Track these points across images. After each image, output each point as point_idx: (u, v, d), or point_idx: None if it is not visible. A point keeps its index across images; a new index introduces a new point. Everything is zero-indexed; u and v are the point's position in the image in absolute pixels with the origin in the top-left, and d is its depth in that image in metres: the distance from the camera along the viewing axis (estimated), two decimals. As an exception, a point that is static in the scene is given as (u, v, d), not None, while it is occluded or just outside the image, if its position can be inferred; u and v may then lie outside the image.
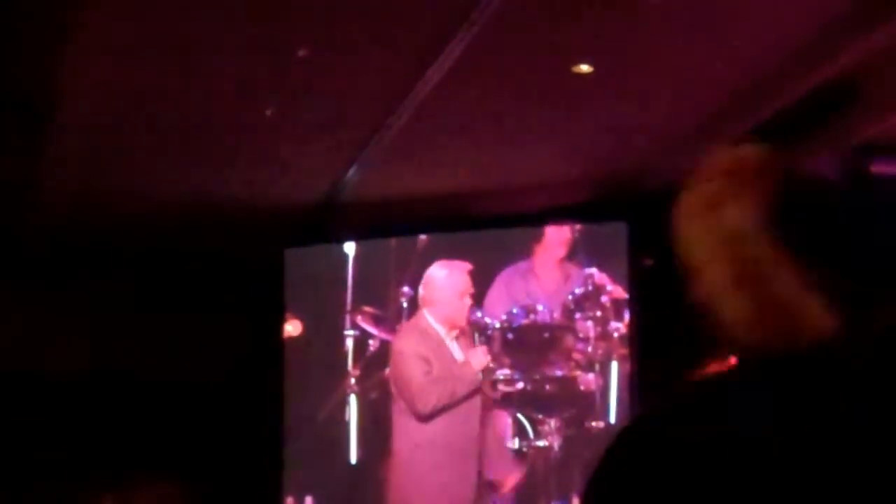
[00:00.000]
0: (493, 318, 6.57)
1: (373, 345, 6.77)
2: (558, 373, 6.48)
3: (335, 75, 4.77)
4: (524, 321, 6.55)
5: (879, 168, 5.23)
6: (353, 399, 6.79)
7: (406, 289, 6.72)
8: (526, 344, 6.54)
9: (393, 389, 6.59)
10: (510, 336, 6.56)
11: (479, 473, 6.43)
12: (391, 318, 6.75)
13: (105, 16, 4.18)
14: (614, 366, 6.35)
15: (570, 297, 6.48)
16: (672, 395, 0.84)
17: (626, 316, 6.35)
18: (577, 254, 6.47)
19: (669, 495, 0.75)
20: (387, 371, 6.70)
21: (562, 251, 6.53)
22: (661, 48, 4.50)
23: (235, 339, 7.04)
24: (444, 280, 6.52)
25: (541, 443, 6.48)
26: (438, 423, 6.46)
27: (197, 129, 5.35)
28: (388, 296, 6.75)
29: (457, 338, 6.48)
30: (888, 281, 1.07)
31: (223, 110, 5.14)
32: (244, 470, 6.93)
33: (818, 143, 5.19)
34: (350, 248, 6.83)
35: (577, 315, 6.42)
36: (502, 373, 6.57)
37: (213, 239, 6.80)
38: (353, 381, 6.80)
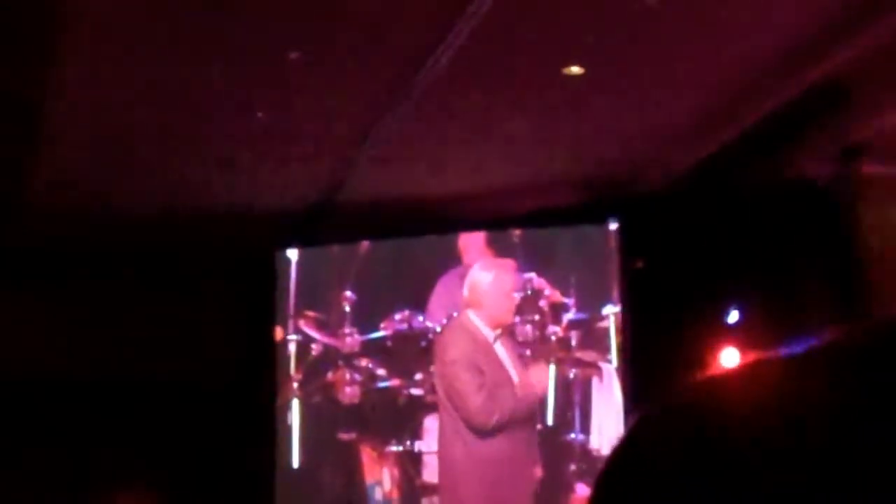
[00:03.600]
0: (435, 322, 6.61)
1: (315, 349, 6.78)
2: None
3: (327, 78, 4.79)
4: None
5: (870, 169, 5.40)
6: (295, 403, 6.78)
7: (349, 293, 6.73)
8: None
9: (444, 400, 6.51)
10: (451, 339, 6.62)
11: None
12: (333, 322, 6.76)
13: (100, 20, 4.14)
14: (552, 369, 6.42)
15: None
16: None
17: (564, 319, 6.42)
18: (517, 259, 6.53)
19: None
20: (329, 374, 6.72)
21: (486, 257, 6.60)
22: (653, 50, 4.59)
23: (227, 341, 6.98)
24: (491, 281, 6.48)
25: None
26: (496, 439, 6.41)
27: (189, 131, 5.32)
28: (330, 301, 6.77)
29: (500, 336, 6.43)
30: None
31: (215, 112, 5.12)
32: (235, 473, 6.86)
33: (809, 144, 5.32)
34: (293, 254, 6.81)
35: (517, 319, 6.48)
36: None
37: (204, 241, 6.74)
38: (295, 385, 6.79)
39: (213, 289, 7.12)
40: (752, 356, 0.69)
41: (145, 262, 7.01)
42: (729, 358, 5.70)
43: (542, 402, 6.36)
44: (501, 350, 6.42)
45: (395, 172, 6.01)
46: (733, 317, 5.91)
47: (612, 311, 6.30)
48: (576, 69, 4.72)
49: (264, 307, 6.85)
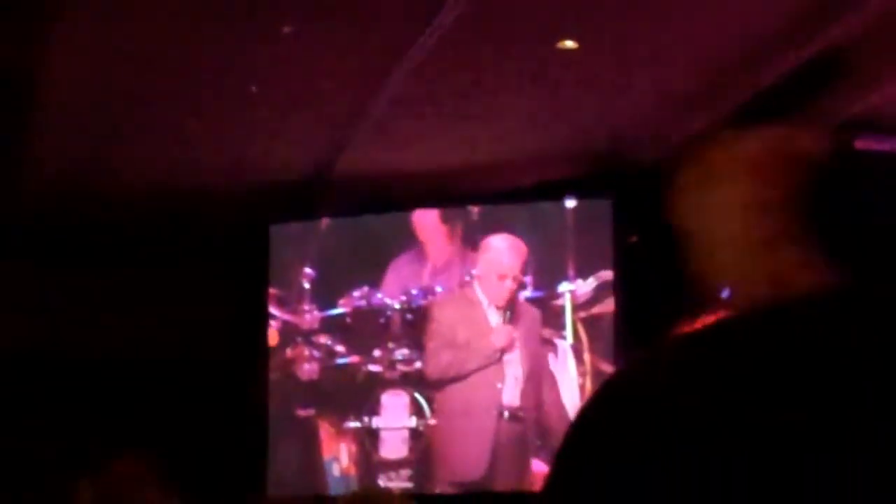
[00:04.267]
0: (393, 299, 6.67)
1: (275, 325, 6.82)
2: (455, 352, 6.59)
3: (320, 51, 4.77)
4: (422, 302, 6.66)
5: (864, 144, 5.44)
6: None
7: (308, 270, 6.78)
8: (424, 324, 6.65)
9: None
10: (409, 317, 6.67)
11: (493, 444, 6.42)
12: (293, 299, 6.81)
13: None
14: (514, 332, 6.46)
15: (467, 278, 6.59)
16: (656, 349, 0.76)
17: (520, 297, 6.46)
18: (474, 235, 6.58)
19: (648, 445, 0.67)
20: (288, 351, 6.77)
21: (447, 243, 6.64)
22: (647, 24, 4.55)
23: (221, 314, 6.96)
24: (491, 258, 6.52)
25: (436, 421, 6.57)
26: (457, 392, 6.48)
27: (182, 104, 5.31)
28: (290, 277, 6.81)
29: (498, 311, 6.47)
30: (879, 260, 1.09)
31: (208, 86, 5.11)
32: (227, 448, 6.86)
33: (805, 119, 5.34)
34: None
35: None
36: (401, 353, 6.67)
37: (197, 214, 6.74)
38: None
39: (207, 262, 7.13)
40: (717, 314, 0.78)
41: (138, 235, 7.00)
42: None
43: (500, 355, 6.42)
44: (495, 318, 6.47)
45: (390, 145, 6.02)
46: (727, 292, 5.93)
47: (568, 288, 6.37)
48: (570, 43, 4.69)
49: (258, 281, 6.87)
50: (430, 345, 6.55)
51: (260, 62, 4.90)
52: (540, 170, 6.37)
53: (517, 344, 6.39)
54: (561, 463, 0.69)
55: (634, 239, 6.20)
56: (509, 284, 6.44)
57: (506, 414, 6.38)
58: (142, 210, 6.70)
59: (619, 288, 6.23)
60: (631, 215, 6.17)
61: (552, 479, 0.68)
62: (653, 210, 5.38)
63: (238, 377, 6.89)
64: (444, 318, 6.54)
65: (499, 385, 6.39)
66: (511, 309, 6.43)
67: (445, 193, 6.61)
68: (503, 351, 6.39)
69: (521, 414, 6.37)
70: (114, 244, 7.04)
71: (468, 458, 6.44)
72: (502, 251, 6.49)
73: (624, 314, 6.18)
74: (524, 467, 6.36)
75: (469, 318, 6.48)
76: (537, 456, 6.34)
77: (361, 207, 6.76)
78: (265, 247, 6.87)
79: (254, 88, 5.03)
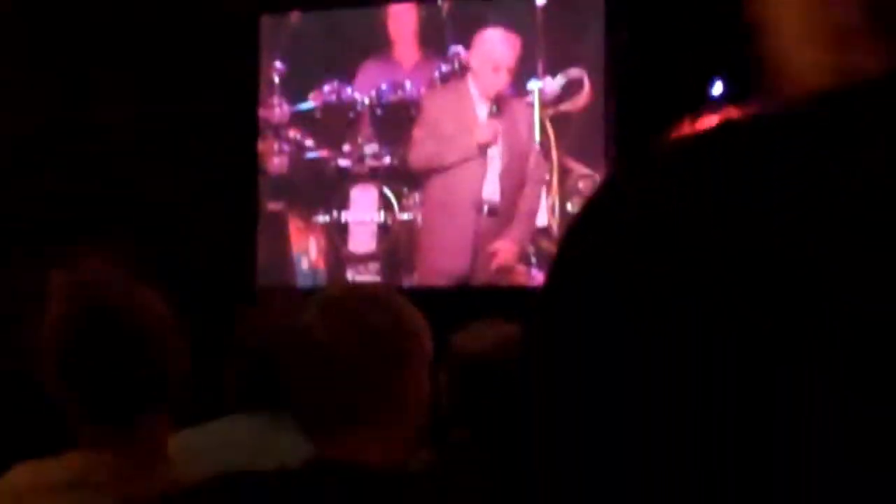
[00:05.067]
0: (363, 94, 6.66)
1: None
2: (424, 148, 6.62)
3: None
4: (392, 97, 6.65)
5: None
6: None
7: (278, 64, 6.76)
8: (394, 120, 6.66)
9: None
10: (379, 112, 6.67)
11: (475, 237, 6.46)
12: (264, 93, 6.79)
13: None
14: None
15: (436, 73, 6.58)
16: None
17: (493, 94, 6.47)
18: (441, 32, 6.54)
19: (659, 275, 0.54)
20: (259, 145, 6.78)
21: (417, 39, 6.60)
22: None
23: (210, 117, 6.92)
24: (486, 49, 6.48)
25: (405, 216, 6.62)
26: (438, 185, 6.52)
27: None
28: (259, 71, 6.78)
29: (490, 108, 6.46)
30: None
31: None
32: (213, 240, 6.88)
33: None
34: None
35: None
36: (370, 148, 6.68)
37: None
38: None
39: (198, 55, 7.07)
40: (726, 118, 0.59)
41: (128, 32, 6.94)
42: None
43: (483, 150, 6.44)
44: (483, 112, 6.47)
45: None
46: (717, 89, 5.95)
47: (536, 86, 6.36)
48: None
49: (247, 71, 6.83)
50: (417, 133, 6.54)
51: None
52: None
53: (500, 139, 6.40)
54: (541, 301, 0.59)
55: (625, 35, 6.15)
56: (503, 77, 6.42)
57: (485, 208, 6.42)
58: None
59: (609, 86, 6.20)
60: (621, 11, 6.12)
61: (535, 322, 0.59)
62: (645, 4, 5.29)
63: (228, 171, 6.87)
64: (433, 109, 6.53)
65: (481, 179, 6.42)
66: (498, 103, 6.43)
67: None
68: (486, 146, 6.41)
69: (499, 209, 6.41)
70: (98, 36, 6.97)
71: (448, 252, 6.50)
72: (497, 42, 6.46)
73: (613, 113, 6.17)
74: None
75: (457, 111, 6.48)
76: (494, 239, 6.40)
77: (333, 1, 6.71)
78: (252, 38, 6.80)
79: None
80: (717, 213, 0.54)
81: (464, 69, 6.49)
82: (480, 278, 6.38)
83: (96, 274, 2.11)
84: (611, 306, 0.55)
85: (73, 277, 2.10)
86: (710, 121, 5.82)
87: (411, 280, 6.55)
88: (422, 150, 6.54)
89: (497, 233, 6.38)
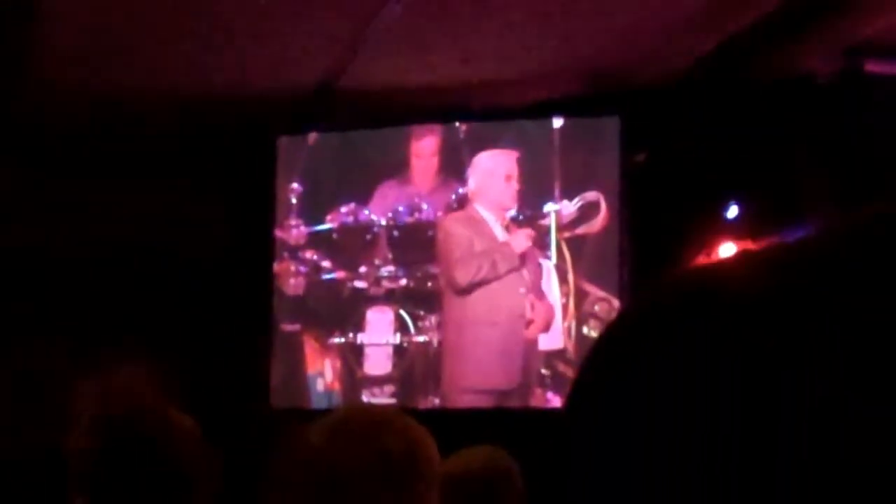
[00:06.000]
0: (380, 216, 6.68)
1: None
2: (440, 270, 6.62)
3: None
4: (408, 219, 6.67)
5: (873, 67, 5.43)
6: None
7: (295, 185, 6.79)
8: (410, 241, 6.67)
9: (439, 270, 6.60)
10: (395, 233, 6.69)
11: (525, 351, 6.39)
12: (280, 214, 6.82)
13: None
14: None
15: (453, 196, 6.60)
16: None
17: (506, 217, 6.47)
18: (459, 154, 6.58)
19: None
20: (274, 266, 6.79)
21: (434, 161, 6.64)
22: None
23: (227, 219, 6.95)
24: (489, 165, 6.50)
25: (421, 338, 6.61)
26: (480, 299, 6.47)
27: (190, 11, 5.29)
28: (275, 193, 6.82)
29: (506, 227, 6.46)
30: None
31: None
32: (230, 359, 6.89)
33: (813, 41, 5.32)
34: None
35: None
36: (387, 269, 6.69)
37: (204, 123, 6.73)
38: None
39: (213, 171, 7.14)
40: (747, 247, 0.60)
41: (145, 141, 7.00)
42: (727, 252, 5.76)
43: (522, 261, 6.42)
44: (501, 231, 6.46)
45: (398, 59, 5.99)
46: (733, 212, 5.97)
47: (553, 208, 6.38)
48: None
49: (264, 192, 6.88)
50: (455, 255, 6.51)
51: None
52: (546, 86, 6.34)
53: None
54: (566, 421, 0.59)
55: (643, 158, 6.17)
56: (515, 185, 6.44)
57: (530, 320, 6.37)
58: (146, 115, 6.68)
59: (624, 208, 6.20)
60: (638, 134, 6.14)
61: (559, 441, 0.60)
62: (662, 129, 5.34)
63: (243, 286, 6.91)
64: (459, 232, 6.53)
65: (521, 291, 6.39)
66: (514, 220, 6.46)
67: (441, 111, 6.60)
68: (524, 256, 6.40)
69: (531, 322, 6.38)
70: (117, 153, 7.03)
71: (493, 369, 6.46)
72: (499, 156, 6.49)
73: (628, 236, 6.17)
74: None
75: (479, 234, 6.48)
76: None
77: (352, 123, 6.75)
78: (269, 159, 6.85)
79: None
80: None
81: (474, 193, 6.51)
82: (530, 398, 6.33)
83: (130, 398, 2.09)
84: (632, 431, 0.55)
85: (105, 404, 2.08)
86: (726, 247, 5.82)
87: (427, 402, 6.51)
88: (468, 268, 6.48)
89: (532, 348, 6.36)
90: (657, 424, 0.54)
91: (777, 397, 0.51)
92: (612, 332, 0.60)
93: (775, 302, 0.53)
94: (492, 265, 6.39)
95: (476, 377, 6.46)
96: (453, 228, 6.54)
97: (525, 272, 6.37)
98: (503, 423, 5.84)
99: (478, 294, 6.44)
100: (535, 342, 6.33)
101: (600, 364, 0.59)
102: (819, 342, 0.51)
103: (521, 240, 6.39)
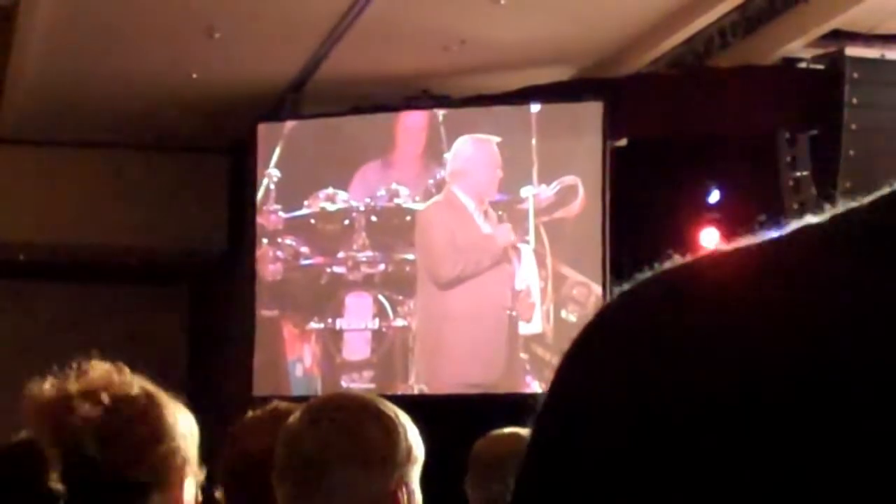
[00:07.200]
0: (358, 201, 6.67)
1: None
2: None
3: None
4: (387, 204, 6.66)
5: (854, 50, 5.47)
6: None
7: (274, 171, 6.78)
8: (388, 227, 6.66)
9: (418, 260, 6.59)
10: (373, 219, 6.67)
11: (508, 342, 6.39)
12: (258, 200, 6.81)
13: None
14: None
15: (430, 182, 6.59)
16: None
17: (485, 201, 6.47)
18: (438, 139, 6.57)
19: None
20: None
21: (420, 145, 6.63)
22: None
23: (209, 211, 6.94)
24: (473, 152, 6.50)
25: (400, 322, 6.60)
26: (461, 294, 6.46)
27: (172, 5, 5.30)
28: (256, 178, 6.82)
29: (485, 212, 6.46)
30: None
31: None
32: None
33: (794, 25, 5.34)
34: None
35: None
36: (365, 255, 6.68)
37: (190, 113, 6.71)
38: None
39: (199, 159, 7.14)
40: (732, 240, 0.57)
41: (121, 136, 7.03)
42: (709, 237, 5.78)
43: (504, 253, 6.43)
44: (481, 220, 6.45)
45: (380, 46, 6.01)
46: (714, 197, 5.98)
47: (531, 192, 6.37)
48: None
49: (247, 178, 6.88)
50: (437, 249, 6.51)
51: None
52: (531, 72, 6.36)
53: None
54: (538, 424, 0.58)
55: (624, 143, 6.18)
56: (499, 174, 6.44)
57: (513, 314, 6.38)
58: (132, 105, 6.65)
59: (606, 192, 6.19)
60: (619, 119, 6.15)
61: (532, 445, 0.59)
62: (644, 114, 5.31)
63: (228, 274, 6.91)
64: (440, 222, 6.53)
65: (506, 284, 6.40)
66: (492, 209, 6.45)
67: (433, 94, 6.62)
68: (508, 249, 6.40)
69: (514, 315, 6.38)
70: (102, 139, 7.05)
71: (477, 360, 6.47)
72: (483, 144, 6.48)
73: (608, 220, 6.17)
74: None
75: (461, 226, 6.47)
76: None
77: (331, 110, 6.74)
78: (249, 146, 6.86)
79: None
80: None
81: (454, 176, 6.50)
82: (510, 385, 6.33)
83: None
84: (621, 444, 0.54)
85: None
86: (709, 235, 5.83)
87: (406, 387, 6.51)
88: (454, 262, 6.47)
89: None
90: (636, 424, 0.54)
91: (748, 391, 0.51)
92: (590, 332, 0.59)
93: (743, 310, 0.53)
94: (476, 263, 6.39)
95: (458, 373, 6.47)
96: (434, 218, 6.54)
97: (508, 266, 6.37)
98: (483, 408, 5.85)
99: (460, 289, 6.45)
100: (516, 334, 6.34)
101: (579, 360, 0.59)
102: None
103: (506, 233, 6.41)
